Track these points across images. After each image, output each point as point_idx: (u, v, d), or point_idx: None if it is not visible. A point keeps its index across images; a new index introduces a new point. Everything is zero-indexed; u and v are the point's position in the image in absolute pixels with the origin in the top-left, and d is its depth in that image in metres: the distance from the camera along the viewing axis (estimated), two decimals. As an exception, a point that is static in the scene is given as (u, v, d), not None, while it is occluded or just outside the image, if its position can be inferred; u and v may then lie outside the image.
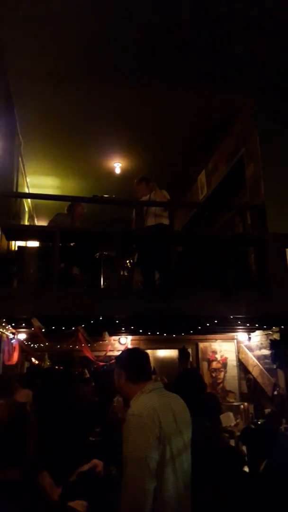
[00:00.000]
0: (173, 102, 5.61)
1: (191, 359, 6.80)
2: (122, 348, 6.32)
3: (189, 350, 7.01)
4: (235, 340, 6.75)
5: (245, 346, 6.42)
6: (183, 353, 6.23)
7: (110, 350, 6.93)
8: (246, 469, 2.80)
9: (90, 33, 4.41)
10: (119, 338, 6.96)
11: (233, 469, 2.63)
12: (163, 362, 8.84)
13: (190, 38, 4.50)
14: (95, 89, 5.33)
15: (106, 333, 6.30)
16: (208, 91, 5.34)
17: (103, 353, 6.92)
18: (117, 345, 6.98)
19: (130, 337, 6.76)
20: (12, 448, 1.22)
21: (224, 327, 5.68)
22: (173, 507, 1.70)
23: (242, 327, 5.68)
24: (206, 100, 5.55)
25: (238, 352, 6.66)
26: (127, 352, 2.22)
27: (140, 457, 1.63)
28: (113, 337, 6.94)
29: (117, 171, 7.13)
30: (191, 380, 2.97)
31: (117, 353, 6.42)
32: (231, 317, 4.75)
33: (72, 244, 5.31)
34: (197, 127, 6.11)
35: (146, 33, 4.42)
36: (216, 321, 5.00)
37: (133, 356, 2.09)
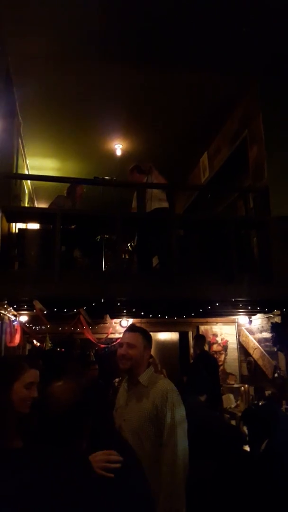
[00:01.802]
0: (175, 83, 5.49)
1: (192, 342, 6.88)
2: (123, 330, 6.35)
3: (190, 334, 7.07)
4: (236, 323, 6.79)
5: (246, 329, 6.46)
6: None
7: (112, 333, 6.98)
8: (247, 448, 2.84)
9: (90, 12, 4.28)
10: (120, 321, 7.00)
11: (231, 446, 2.67)
12: (163, 345, 8.94)
13: (192, 17, 4.36)
14: (96, 69, 5.20)
15: (108, 315, 6.33)
16: (212, 72, 5.21)
17: (104, 336, 6.97)
18: (118, 327, 7.02)
19: (131, 320, 6.79)
20: (73, 428, 1.25)
21: (226, 310, 5.70)
22: None
23: (244, 310, 5.70)
24: (209, 81, 5.42)
25: (239, 335, 6.70)
26: (149, 332, 2.31)
27: (185, 426, 1.99)
28: (114, 320, 6.98)
29: (118, 152, 7.03)
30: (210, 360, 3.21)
31: (118, 336, 6.49)
32: (233, 300, 4.75)
33: (72, 227, 5.28)
34: (199, 109, 5.99)
35: (147, 12, 4.28)
36: (217, 304, 5.01)
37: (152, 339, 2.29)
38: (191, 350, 6.91)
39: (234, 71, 5.22)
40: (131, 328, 2.30)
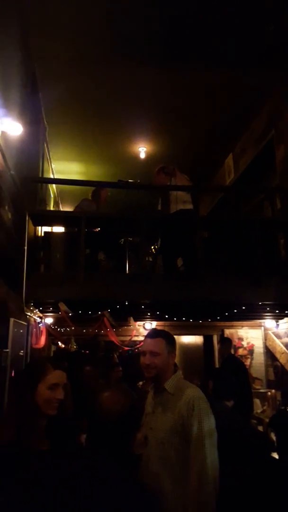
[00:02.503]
0: (199, 84, 5.45)
1: (217, 346, 6.77)
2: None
3: (215, 337, 6.97)
4: (262, 327, 6.64)
5: (273, 333, 6.31)
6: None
7: (135, 335, 6.96)
8: (275, 455, 2.76)
9: (115, 15, 4.31)
10: (144, 324, 6.97)
11: (260, 453, 2.60)
12: (187, 348, 8.84)
13: (216, 16, 4.33)
14: (121, 73, 5.23)
15: (131, 318, 6.32)
16: (237, 71, 5.15)
17: (128, 338, 6.96)
18: (142, 330, 7.00)
19: (155, 323, 6.75)
20: (123, 435, 1.26)
21: (252, 313, 5.58)
22: None
23: (271, 313, 5.57)
24: (234, 81, 5.35)
25: (265, 339, 6.56)
26: (172, 335, 2.21)
27: (215, 438, 1.86)
28: (138, 322, 6.97)
29: (142, 155, 7.04)
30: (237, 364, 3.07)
31: (142, 338, 6.47)
32: (259, 303, 4.65)
33: (97, 229, 5.31)
34: (224, 109, 5.93)
35: (173, 12, 4.27)
36: (243, 308, 4.91)
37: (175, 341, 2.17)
38: (216, 354, 6.80)
39: (259, 70, 5.14)
40: (152, 334, 2.14)
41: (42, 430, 1.52)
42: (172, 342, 2.11)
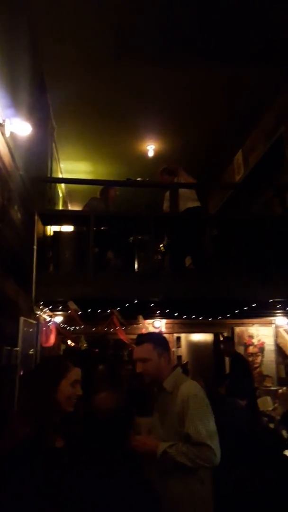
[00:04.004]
0: (208, 81, 5.40)
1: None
2: (157, 332, 6.32)
3: (225, 334, 6.93)
4: (273, 325, 6.59)
5: (284, 330, 6.26)
6: (227, 339, 6.21)
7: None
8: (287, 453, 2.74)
9: (122, 13, 4.29)
10: (153, 322, 6.97)
11: (274, 451, 2.59)
12: (197, 346, 8.82)
13: (227, 13, 4.28)
14: (129, 71, 5.21)
15: (141, 316, 6.32)
16: (246, 67, 5.09)
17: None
18: (151, 328, 6.99)
19: (164, 321, 6.75)
20: (117, 434, 1.28)
21: (263, 311, 5.54)
22: None
23: (281, 311, 5.52)
24: (243, 77, 5.29)
25: (276, 337, 6.51)
26: (160, 335, 2.21)
27: (217, 439, 1.78)
28: (147, 321, 6.96)
29: (150, 153, 7.02)
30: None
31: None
32: (270, 301, 4.61)
33: (103, 228, 5.31)
34: (234, 106, 5.87)
35: (182, 10, 4.24)
36: (254, 305, 4.88)
37: (165, 338, 2.14)
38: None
39: (268, 67, 5.07)
40: (138, 341, 2.06)
41: (58, 427, 1.52)
42: (161, 344, 2.04)
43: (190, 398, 1.83)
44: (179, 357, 7.23)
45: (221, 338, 6.41)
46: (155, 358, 1.97)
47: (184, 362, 7.10)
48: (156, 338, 2.09)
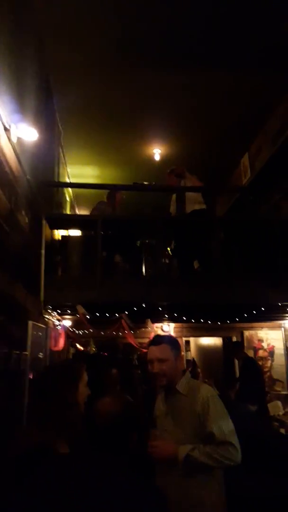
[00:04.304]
0: (214, 84, 5.39)
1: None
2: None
3: (234, 338, 6.88)
4: (283, 328, 6.53)
5: (293, 334, 6.20)
6: (236, 344, 6.14)
7: (153, 338, 6.93)
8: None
9: (129, 19, 4.31)
10: (162, 326, 6.95)
11: (284, 456, 2.55)
12: (206, 350, 8.76)
13: (232, 18, 4.28)
14: (135, 76, 5.23)
15: (149, 320, 6.30)
16: (251, 70, 5.07)
17: (146, 340, 6.94)
18: (159, 332, 6.97)
19: (172, 325, 6.72)
20: (120, 438, 1.28)
21: (272, 314, 5.49)
22: None
23: (291, 314, 5.47)
24: (249, 80, 5.28)
25: (286, 340, 6.44)
26: (173, 338, 2.20)
27: (234, 428, 1.85)
28: (156, 324, 6.94)
29: (157, 157, 7.03)
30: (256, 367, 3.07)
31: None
32: (279, 304, 4.57)
33: (110, 232, 5.32)
34: (239, 109, 5.85)
35: (187, 15, 4.25)
36: (263, 309, 4.84)
37: (179, 343, 2.17)
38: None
39: (273, 70, 5.05)
40: (156, 341, 2.09)
41: (80, 432, 1.49)
42: (177, 347, 2.09)
43: (209, 400, 1.88)
44: (188, 361, 7.16)
45: (230, 344, 6.34)
46: (172, 359, 2.00)
47: (191, 367, 7.05)
48: (173, 340, 2.13)
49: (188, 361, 7.18)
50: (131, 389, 3.38)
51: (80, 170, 7.65)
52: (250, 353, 6.44)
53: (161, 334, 2.28)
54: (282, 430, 4.14)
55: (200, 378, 5.49)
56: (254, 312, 5.04)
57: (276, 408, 5.30)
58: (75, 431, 1.45)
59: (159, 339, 2.08)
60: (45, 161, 4.81)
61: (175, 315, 5.67)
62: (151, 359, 2.04)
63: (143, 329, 6.92)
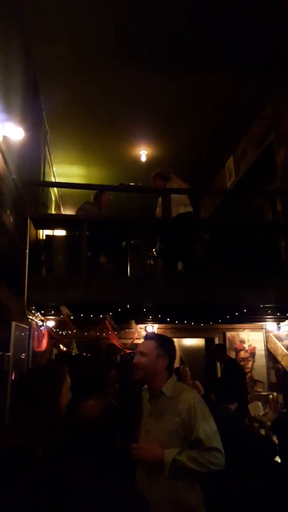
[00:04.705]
0: (200, 87, 5.46)
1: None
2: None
3: (216, 340, 6.95)
4: (264, 330, 6.63)
5: (274, 335, 6.30)
6: (219, 346, 6.20)
7: (137, 338, 6.96)
8: (278, 459, 2.75)
9: (117, 18, 4.33)
10: (146, 326, 6.97)
11: (263, 457, 2.60)
12: (189, 351, 8.84)
13: (219, 21, 4.34)
14: (122, 76, 5.24)
15: (133, 321, 6.32)
16: (237, 74, 5.16)
17: (129, 341, 6.96)
18: (143, 333, 6.99)
19: (156, 326, 6.75)
20: (103, 440, 1.28)
21: (254, 316, 5.58)
22: None
23: (272, 316, 5.56)
24: (234, 84, 5.36)
25: (267, 342, 6.55)
26: (169, 340, 2.20)
27: (216, 429, 1.90)
28: (140, 325, 6.96)
29: (143, 158, 7.06)
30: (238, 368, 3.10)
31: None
32: (261, 306, 4.65)
33: (95, 232, 5.32)
34: (224, 112, 5.93)
35: (175, 16, 4.29)
36: (245, 310, 4.91)
37: (174, 347, 2.16)
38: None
39: (260, 73, 5.15)
40: (146, 336, 2.23)
41: (60, 434, 1.51)
42: (165, 347, 2.09)
43: (196, 404, 1.91)
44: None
45: (214, 348, 6.39)
46: (153, 356, 2.03)
47: (177, 367, 7.10)
48: (163, 341, 2.13)
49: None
50: (102, 389, 3.39)
51: (66, 170, 7.62)
52: (232, 354, 6.53)
53: (156, 333, 2.33)
54: (262, 431, 4.22)
55: (189, 377, 5.54)
56: (236, 313, 5.12)
57: (256, 408, 5.39)
58: (57, 433, 1.46)
59: (149, 335, 2.19)
60: (31, 160, 4.78)
61: (159, 316, 5.71)
62: (137, 351, 2.12)
63: (127, 330, 6.94)
